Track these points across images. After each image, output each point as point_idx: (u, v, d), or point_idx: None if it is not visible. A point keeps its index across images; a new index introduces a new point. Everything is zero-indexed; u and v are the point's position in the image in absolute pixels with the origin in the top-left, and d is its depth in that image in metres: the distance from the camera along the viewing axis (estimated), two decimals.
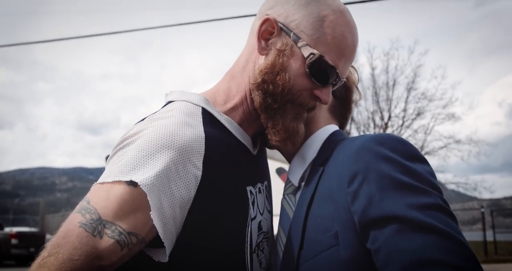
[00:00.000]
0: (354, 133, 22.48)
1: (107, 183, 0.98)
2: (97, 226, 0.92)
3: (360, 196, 1.00)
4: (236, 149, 1.17)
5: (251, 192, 1.17)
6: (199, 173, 1.03)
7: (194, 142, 1.04)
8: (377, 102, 22.91)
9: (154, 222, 0.95)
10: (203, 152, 1.05)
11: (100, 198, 0.96)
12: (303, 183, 1.25)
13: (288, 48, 1.13)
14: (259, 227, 1.19)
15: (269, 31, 1.15)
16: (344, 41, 1.13)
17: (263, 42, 1.16)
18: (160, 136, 1.01)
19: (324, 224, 1.07)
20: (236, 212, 1.10)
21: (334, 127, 1.35)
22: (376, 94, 22.85)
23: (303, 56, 1.12)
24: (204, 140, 1.06)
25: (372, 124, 23.16)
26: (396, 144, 1.06)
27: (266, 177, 1.31)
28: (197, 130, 1.07)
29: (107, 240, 0.92)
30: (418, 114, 22.65)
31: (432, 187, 0.99)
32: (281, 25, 1.14)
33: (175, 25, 11.77)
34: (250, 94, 1.18)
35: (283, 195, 1.32)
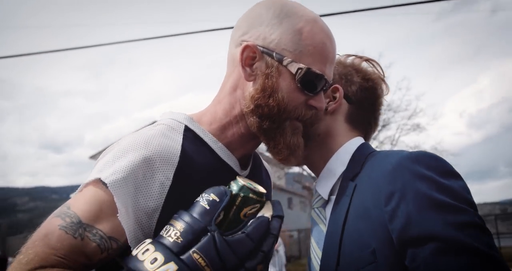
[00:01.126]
0: None
1: (85, 187, 1.03)
2: (77, 229, 0.95)
3: (398, 216, 1.03)
4: (217, 168, 1.17)
5: None
6: (168, 183, 1.05)
7: (167, 152, 1.07)
8: None
9: (122, 225, 0.99)
10: (176, 164, 1.07)
11: (79, 202, 0.99)
12: (333, 197, 1.29)
13: (274, 69, 1.14)
14: None
15: (251, 56, 1.16)
16: (325, 48, 1.16)
17: (248, 69, 1.16)
18: (136, 140, 1.06)
19: (361, 240, 1.10)
20: None
21: (359, 140, 1.37)
22: None
23: (291, 73, 1.13)
24: (179, 152, 1.09)
25: None
26: (431, 161, 1.09)
27: None
28: (175, 143, 1.11)
29: (88, 242, 0.96)
30: (384, 125, 22.83)
31: (468, 204, 1.03)
32: (262, 48, 1.15)
33: (139, 40, 11.75)
34: (243, 119, 1.19)
35: (313, 208, 1.37)
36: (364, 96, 1.40)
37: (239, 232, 0.98)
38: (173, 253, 0.92)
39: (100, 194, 1.00)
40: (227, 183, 1.10)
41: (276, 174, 25.34)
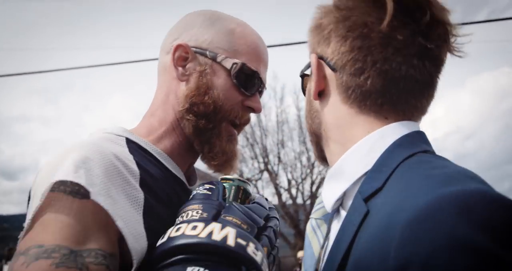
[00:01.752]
0: (281, 174, 23.99)
1: (44, 212, 0.79)
2: (75, 258, 0.74)
3: None
4: (170, 180, 1.07)
5: None
6: (141, 195, 0.93)
7: (125, 159, 0.95)
8: (304, 143, 23.02)
9: (123, 233, 0.83)
10: (138, 174, 0.96)
11: (50, 231, 0.77)
12: (343, 211, 0.93)
13: (208, 66, 1.11)
14: None
15: (183, 56, 1.13)
16: (258, 48, 1.16)
17: (180, 69, 1.13)
18: (80, 143, 0.92)
19: None
20: None
21: (400, 128, 0.89)
22: (302, 134, 23.00)
23: (226, 69, 1.11)
24: (135, 162, 0.97)
25: (299, 165, 23.31)
26: (494, 212, 0.61)
27: None
28: (124, 149, 0.99)
29: (95, 268, 0.76)
30: None
31: None
32: (194, 49, 1.13)
33: (98, 66, 11.75)
34: (178, 126, 1.13)
35: (311, 218, 1.19)
36: (356, 46, 0.88)
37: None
38: (208, 219, 0.87)
39: (73, 208, 0.80)
40: (180, 195, 1.06)
41: None
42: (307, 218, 21.45)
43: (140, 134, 1.11)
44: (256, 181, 23.84)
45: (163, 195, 1.00)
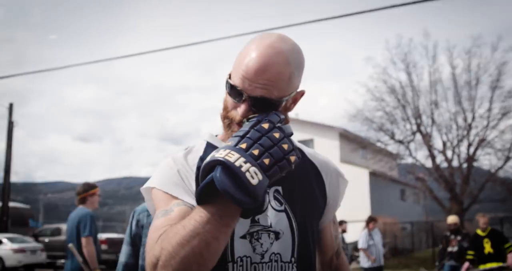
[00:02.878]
0: (435, 136, 23.87)
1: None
2: (166, 211, 1.23)
3: None
4: None
5: None
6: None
7: (183, 162, 1.37)
8: (459, 102, 22.32)
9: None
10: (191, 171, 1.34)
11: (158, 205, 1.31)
12: None
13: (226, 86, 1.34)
14: (253, 220, 1.33)
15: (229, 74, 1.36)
16: (243, 62, 1.26)
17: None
18: (167, 160, 1.39)
19: None
20: None
21: None
22: (458, 94, 22.30)
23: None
24: (197, 159, 1.37)
25: (454, 126, 22.61)
26: None
27: (276, 183, 1.39)
28: (194, 157, 1.39)
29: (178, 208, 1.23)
30: (505, 113, 21.71)
31: None
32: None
33: (251, 33, 12.10)
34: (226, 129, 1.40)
35: None
36: None
37: None
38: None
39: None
40: None
41: (388, 165, 25.99)
42: (464, 182, 20.38)
43: (220, 137, 1.46)
44: (409, 143, 23.37)
45: None
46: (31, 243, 19.99)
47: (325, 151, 30.26)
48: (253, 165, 1.05)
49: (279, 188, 1.40)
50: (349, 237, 12.11)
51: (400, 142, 23.44)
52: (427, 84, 22.83)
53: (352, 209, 27.77)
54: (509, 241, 8.69)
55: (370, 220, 10.08)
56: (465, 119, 22.22)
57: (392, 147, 24.51)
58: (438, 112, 22.89)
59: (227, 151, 1.07)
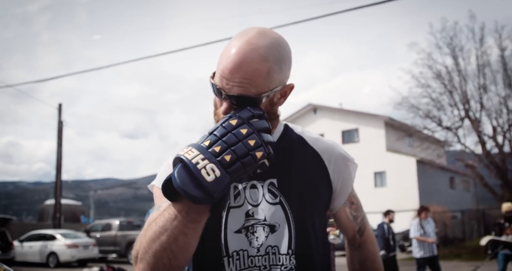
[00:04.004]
0: (484, 121, 23.43)
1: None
2: (158, 207, 1.27)
3: None
4: None
5: (235, 187, 1.39)
6: None
7: None
8: (509, 86, 21.63)
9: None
10: None
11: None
12: None
13: None
14: (247, 214, 1.35)
15: None
16: (223, 62, 1.27)
17: None
18: (170, 159, 1.42)
19: None
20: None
21: None
22: (507, 77, 21.63)
23: None
24: None
25: (505, 110, 22.01)
26: None
27: (271, 176, 1.39)
28: None
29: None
30: None
31: None
32: None
33: (290, 24, 12.46)
34: None
35: None
36: None
37: None
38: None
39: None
40: None
41: (436, 152, 25.37)
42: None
43: None
44: (457, 129, 22.82)
45: None
46: (83, 239, 20.65)
47: (370, 140, 30.75)
48: (211, 162, 1.08)
49: (274, 181, 1.40)
50: (397, 227, 11.86)
51: (448, 128, 22.97)
52: (475, 68, 22.24)
53: (400, 198, 27.52)
54: None
55: (422, 210, 9.84)
56: None
57: (440, 134, 24.11)
58: (487, 97, 22.30)
59: (189, 148, 1.11)
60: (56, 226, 24.20)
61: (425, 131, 24.70)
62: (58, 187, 25.04)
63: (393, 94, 49.64)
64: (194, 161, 1.08)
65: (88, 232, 22.61)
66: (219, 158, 1.09)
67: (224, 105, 1.29)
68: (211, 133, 1.15)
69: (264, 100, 1.30)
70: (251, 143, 1.12)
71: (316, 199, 1.41)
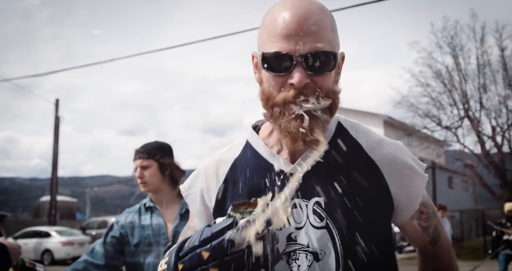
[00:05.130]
0: (484, 121, 22.75)
1: None
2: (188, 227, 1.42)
3: None
4: (260, 167, 1.27)
5: None
6: (221, 182, 1.31)
7: (223, 162, 1.34)
8: (509, 85, 21.60)
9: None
10: (228, 168, 1.32)
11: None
12: None
13: (258, 66, 1.21)
14: (289, 238, 1.20)
15: (255, 62, 1.24)
16: (274, 24, 1.13)
17: (257, 74, 1.25)
18: (199, 169, 1.41)
19: None
20: None
21: None
22: (507, 77, 21.59)
23: (260, 63, 1.18)
24: (232, 160, 1.33)
25: (504, 110, 22.07)
26: None
27: (317, 194, 1.21)
28: (233, 154, 1.34)
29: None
30: None
31: None
32: (254, 53, 1.23)
33: None
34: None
35: None
36: None
37: None
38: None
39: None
40: (263, 180, 1.25)
41: (435, 152, 24.68)
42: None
43: (264, 131, 1.34)
44: (456, 129, 22.83)
45: (243, 181, 1.29)
46: (79, 236, 20.59)
47: None
48: None
49: (320, 200, 1.20)
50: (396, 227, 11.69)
51: (447, 128, 22.98)
52: (475, 67, 22.28)
53: None
54: None
55: (439, 208, 8.89)
56: None
57: (439, 134, 24.15)
58: (486, 97, 22.28)
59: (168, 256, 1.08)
60: (52, 223, 24.07)
61: (424, 131, 24.71)
62: (54, 183, 24.91)
63: (393, 93, 49.82)
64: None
65: (83, 229, 22.62)
66: None
67: (297, 74, 1.10)
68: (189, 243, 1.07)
69: (338, 60, 1.15)
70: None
71: (372, 222, 1.20)
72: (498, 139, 21.89)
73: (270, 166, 1.25)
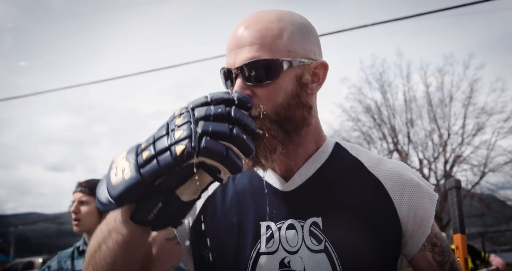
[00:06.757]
0: (412, 154, 23.04)
1: None
2: None
3: None
4: (257, 188, 1.18)
5: (268, 227, 1.12)
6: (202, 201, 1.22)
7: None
8: (434, 120, 22.58)
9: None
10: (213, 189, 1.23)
11: None
12: None
13: None
14: (282, 264, 1.07)
15: None
16: (230, 39, 1.12)
17: None
18: None
19: None
20: (231, 242, 1.13)
21: None
22: (432, 112, 22.56)
23: None
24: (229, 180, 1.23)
25: (430, 144, 22.83)
26: None
27: (314, 214, 1.10)
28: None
29: None
30: (479, 129, 22.06)
31: None
32: None
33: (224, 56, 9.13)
34: None
35: None
36: None
37: None
38: None
39: None
40: (259, 200, 1.16)
41: None
42: (442, 199, 20.52)
43: None
44: None
45: (237, 201, 1.19)
46: None
47: None
48: (127, 160, 0.87)
49: (318, 220, 1.10)
50: None
51: None
52: (402, 103, 23.05)
53: None
54: (481, 253, 8.60)
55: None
56: (440, 137, 22.39)
57: None
58: (413, 131, 23.05)
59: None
60: None
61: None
62: None
63: (326, 127, 50.41)
64: (114, 161, 0.91)
65: None
66: (139, 156, 0.87)
67: (235, 86, 1.07)
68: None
69: (285, 67, 1.04)
70: (177, 134, 0.84)
71: (378, 244, 1.08)
72: (425, 171, 22.63)
73: (267, 185, 1.17)
